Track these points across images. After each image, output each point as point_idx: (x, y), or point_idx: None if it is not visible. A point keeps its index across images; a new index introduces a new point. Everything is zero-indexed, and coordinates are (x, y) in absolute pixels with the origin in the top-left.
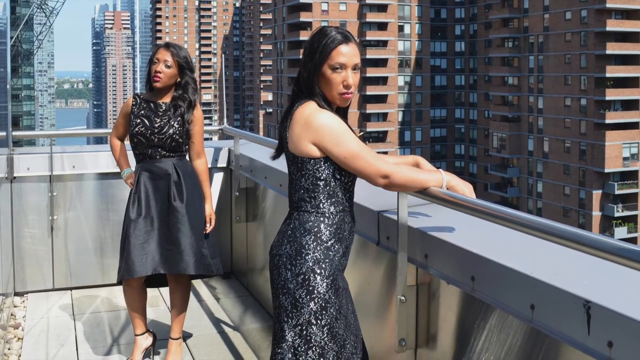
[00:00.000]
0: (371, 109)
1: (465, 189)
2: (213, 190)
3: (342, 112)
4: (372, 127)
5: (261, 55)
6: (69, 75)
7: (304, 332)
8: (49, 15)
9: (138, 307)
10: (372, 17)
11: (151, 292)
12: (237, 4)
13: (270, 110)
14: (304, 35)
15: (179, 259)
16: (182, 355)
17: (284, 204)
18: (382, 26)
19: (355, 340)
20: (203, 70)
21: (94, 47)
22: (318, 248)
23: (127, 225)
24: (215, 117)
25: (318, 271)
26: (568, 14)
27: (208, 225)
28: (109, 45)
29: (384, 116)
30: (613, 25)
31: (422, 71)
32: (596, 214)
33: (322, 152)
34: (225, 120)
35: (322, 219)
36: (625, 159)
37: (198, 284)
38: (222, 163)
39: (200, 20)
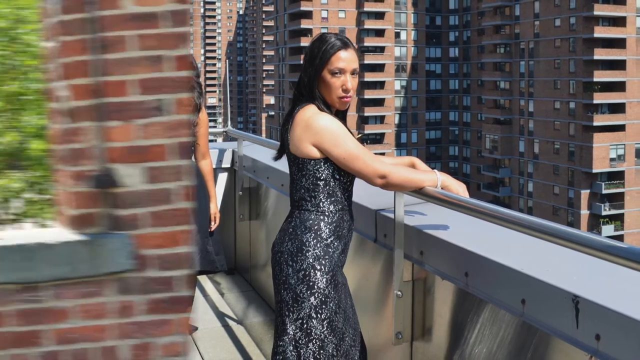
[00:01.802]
0: (369, 112)
1: (459, 189)
2: (217, 190)
3: (341, 115)
4: (370, 129)
5: (264, 61)
6: None
7: (305, 325)
8: None
9: None
10: (370, 24)
11: None
12: (241, 12)
13: (272, 113)
14: (305, 42)
15: None
16: None
17: (285, 203)
18: (380, 33)
19: (354, 334)
20: (208, 75)
21: None
22: (318, 245)
23: None
24: (220, 119)
25: (318, 267)
26: (557, 21)
27: (213, 223)
28: None
29: (381, 119)
30: (600, 32)
31: (417, 76)
32: (584, 212)
33: (322, 153)
34: (229, 122)
35: (322, 217)
36: (612, 159)
37: (203, 279)
38: (226, 164)
39: (205, 27)
